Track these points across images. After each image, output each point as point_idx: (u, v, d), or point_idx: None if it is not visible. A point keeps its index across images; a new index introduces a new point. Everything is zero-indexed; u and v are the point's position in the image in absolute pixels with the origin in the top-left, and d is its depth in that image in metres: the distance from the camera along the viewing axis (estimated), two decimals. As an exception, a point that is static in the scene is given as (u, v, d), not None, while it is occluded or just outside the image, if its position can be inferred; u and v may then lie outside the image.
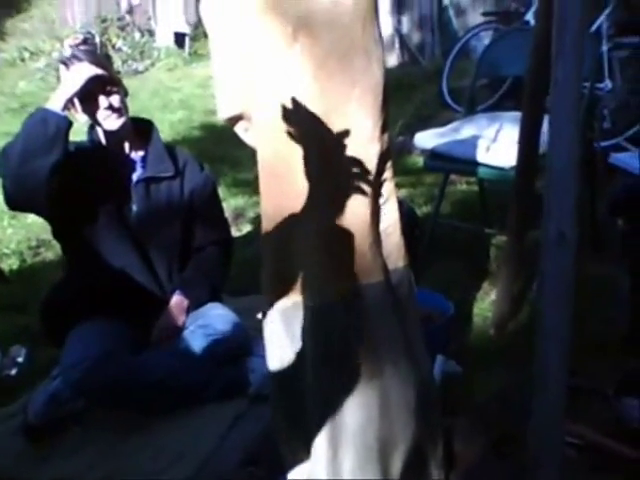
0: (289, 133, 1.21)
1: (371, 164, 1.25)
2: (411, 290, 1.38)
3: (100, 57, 2.26)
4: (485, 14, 5.12)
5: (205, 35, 7.24)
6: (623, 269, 1.95)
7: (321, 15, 1.17)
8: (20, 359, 2.11)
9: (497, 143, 2.31)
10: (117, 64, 7.22)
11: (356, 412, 1.27)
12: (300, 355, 1.29)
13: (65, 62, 1.83)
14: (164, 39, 8.20)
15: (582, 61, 1.11)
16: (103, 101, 1.85)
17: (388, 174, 1.31)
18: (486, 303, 2.26)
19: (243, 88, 1.26)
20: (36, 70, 7.69)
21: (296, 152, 1.22)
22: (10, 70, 8.22)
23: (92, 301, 1.87)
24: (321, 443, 1.28)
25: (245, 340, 1.93)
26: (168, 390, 1.78)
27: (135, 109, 2.01)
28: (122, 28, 8.40)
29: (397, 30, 5.99)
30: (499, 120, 2.46)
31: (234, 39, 1.24)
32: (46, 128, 1.71)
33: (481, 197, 2.77)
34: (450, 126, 2.58)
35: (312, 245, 1.25)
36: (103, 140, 1.94)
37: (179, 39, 7.98)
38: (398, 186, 1.34)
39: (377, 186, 1.29)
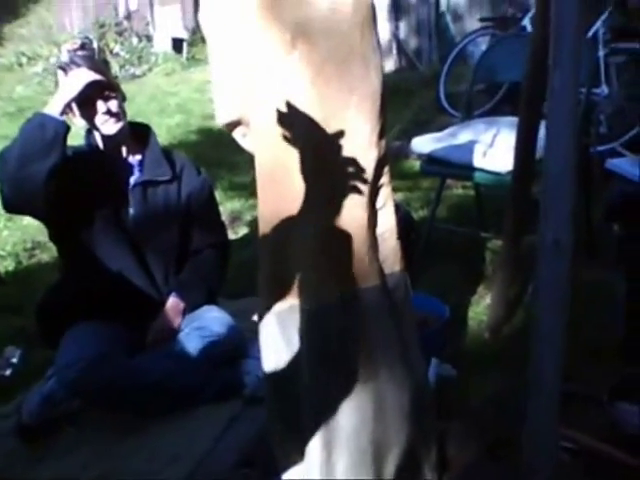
0: (285, 137, 1.21)
1: (368, 169, 1.26)
2: (407, 294, 1.38)
3: (98, 62, 2.27)
4: (482, 20, 5.15)
5: (203, 40, 7.25)
6: (618, 275, 1.96)
7: (319, 22, 1.18)
8: (14, 360, 2.12)
9: (494, 148, 2.32)
10: (115, 69, 7.24)
11: (351, 415, 1.27)
12: (296, 358, 1.30)
13: (63, 67, 1.84)
14: (162, 44, 8.22)
15: (579, 69, 1.12)
16: (101, 106, 1.86)
17: (385, 179, 1.32)
18: (481, 307, 2.26)
19: (241, 94, 1.27)
20: (33, 75, 7.70)
21: (294, 157, 1.23)
22: (8, 75, 8.24)
23: (88, 303, 1.87)
24: (315, 445, 1.28)
25: (241, 342, 1.94)
26: (164, 392, 1.78)
27: (132, 113, 2.02)
28: (120, 33, 8.43)
29: (395, 35, 6.01)
30: (496, 125, 2.47)
31: (233, 45, 1.25)
32: (44, 132, 1.71)
33: (477, 201, 2.78)
34: (447, 131, 2.59)
35: (309, 249, 1.26)
36: (101, 144, 1.94)
37: (177, 44, 8.01)
38: (395, 190, 1.35)
39: (374, 191, 1.30)
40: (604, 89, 3.65)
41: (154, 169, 1.97)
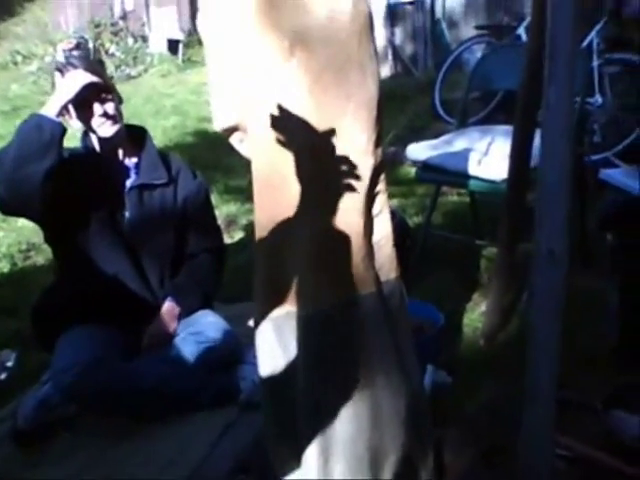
0: (282, 143, 1.22)
1: (365, 177, 1.26)
2: (402, 301, 1.39)
3: (94, 64, 2.27)
4: (477, 27, 5.19)
5: (198, 42, 7.27)
6: (612, 284, 1.97)
7: (317, 31, 1.19)
8: (9, 363, 2.10)
9: (489, 156, 2.33)
10: (110, 69, 7.23)
11: (347, 422, 1.28)
12: (292, 364, 1.30)
13: (60, 69, 1.84)
14: (157, 45, 8.22)
15: (574, 82, 1.13)
16: (98, 108, 1.86)
17: (381, 187, 1.32)
18: (476, 314, 2.27)
19: (239, 100, 1.28)
20: (28, 74, 7.68)
21: (290, 163, 1.23)
22: (2, 73, 8.22)
23: (83, 306, 1.87)
24: (312, 452, 1.28)
25: (236, 348, 1.93)
26: (159, 397, 1.78)
27: (128, 114, 2.01)
28: (115, 33, 8.42)
29: (390, 42, 6.04)
30: (491, 133, 2.48)
31: (231, 51, 1.25)
32: (41, 134, 1.71)
33: (472, 209, 2.79)
34: (442, 138, 2.61)
35: (305, 255, 1.26)
36: (97, 147, 1.94)
37: (172, 45, 8.01)
38: (390, 196, 1.36)
39: (370, 198, 1.30)
40: (598, 99, 3.69)
41: (150, 172, 1.97)
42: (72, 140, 1.97)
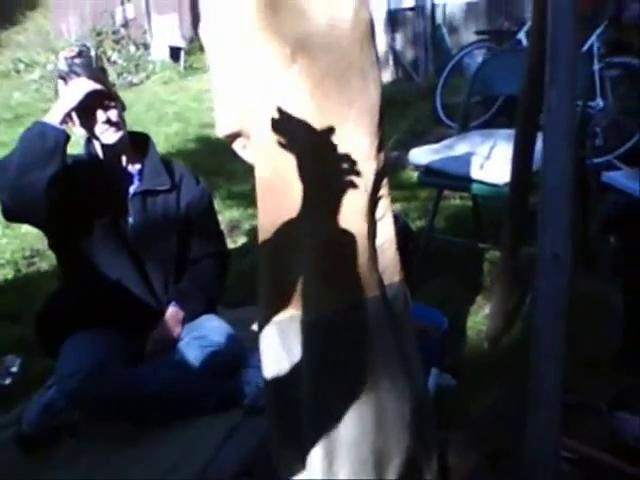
0: (282, 144, 1.23)
1: (368, 182, 1.27)
2: (406, 305, 1.39)
3: (97, 71, 2.28)
4: (478, 32, 5.20)
5: (200, 49, 7.30)
6: (615, 286, 1.97)
7: (319, 38, 1.20)
8: (14, 369, 2.11)
9: (491, 160, 2.34)
10: (112, 77, 7.27)
11: (352, 425, 1.28)
12: (296, 368, 1.30)
13: (63, 77, 1.85)
14: (159, 53, 8.25)
15: (575, 85, 1.14)
16: (101, 115, 1.87)
17: (384, 191, 1.33)
18: (480, 317, 2.27)
19: (242, 106, 1.29)
20: (30, 82, 7.72)
21: (293, 169, 1.24)
22: (5, 81, 8.26)
23: (87, 312, 1.87)
24: (316, 455, 1.28)
25: (240, 352, 1.94)
26: (163, 402, 1.78)
27: (130, 122, 2.03)
28: (117, 41, 8.46)
29: (391, 47, 6.06)
30: (493, 137, 2.49)
31: (233, 59, 1.26)
32: (44, 141, 1.72)
33: (475, 212, 2.80)
34: (444, 143, 2.61)
35: (309, 259, 1.27)
36: (100, 153, 1.95)
37: (174, 53, 8.05)
38: (392, 200, 1.36)
39: (373, 203, 1.31)
40: (599, 102, 3.69)
41: (153, 178, 1.97)
42: (75, 147, 1.98)
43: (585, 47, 3.75)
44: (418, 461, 1.37)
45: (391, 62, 6.06)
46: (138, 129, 2.17)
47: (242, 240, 3.19)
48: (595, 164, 3.11)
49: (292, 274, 1.28)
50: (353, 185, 1.25)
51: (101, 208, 1.89)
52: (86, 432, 1.80)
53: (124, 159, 1.97)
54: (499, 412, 1.70)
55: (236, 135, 1.34)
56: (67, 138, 1.77)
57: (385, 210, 1.34)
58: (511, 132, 2.08)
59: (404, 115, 4.72)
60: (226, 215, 3.41)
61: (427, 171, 2.53)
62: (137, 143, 2.01)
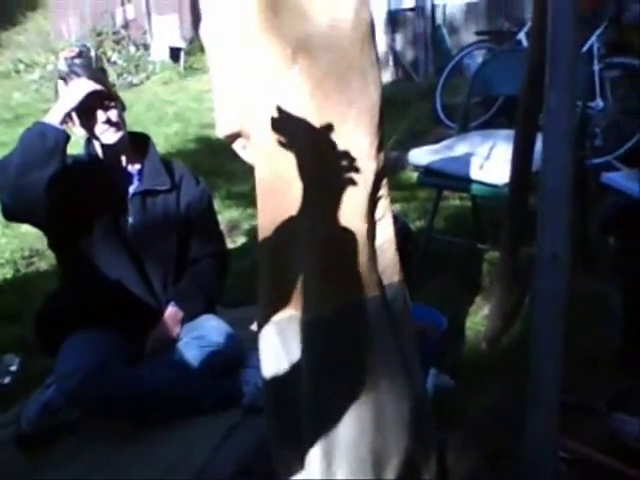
0: (282, 143, 1.23)
1: (367, 182, 1.27)
2: (406, 305, 1.39)
3: (97, 72, 2.28)
4: (478, 33, 5.20)
5: (200, 50, 7.31)
6: (614, 287, 1.97)
7: (319, 38, 1.20)
8: (13, 368, 2.12)
9: (490, 161, 2.34)
10: (112, 77, 7.27)
11: (350, 425, 1.28)
12: (295, 368, 1.30)
13: (64, 77, 1.85)
14: (159, 53, 8.26)
15: (575, 86, 1.14)
16: (101, 115, 1.87)
17: (384, 191, 1.33)
18: (479, 317, 2.27)
19: (242, 107, 1.29)
20: (31, 82, 7.73)
21: (293, 169, 1.24)
22: (5, 82, 8.27)
23: (87, 312, 1.87)
24: (315, 455, 1.28)
25: (239, 351, 1.94)
26: (162, 401, 1.79)
27: (130, 122, 2.03)
28: (117, 42, 8.47)
29: (391, 47, 6.06)
30: (492, 138, 2.49)
31: (234, 59, 1.26)
32: (44, 141, 1.72)
33: (474, 213, 2.80)
34: (444, 143, 2.61)
35: (308, 259, 1.27)
36: (100, 153, 1.95)
37: (174, 53, 8.05)
38: (392, 201, 1.37)
39: (373, 203, 1.31)
40: (599, 103, 3.69)
41: (153, 179, 1.98)
42: (76, 147, 1.99)
43: (585, 48, 3.75)
44: (416, 461, 1.37)
45: (391, 62, 6.07)
46: (138, 129, 2.17)
47: (242, 240, 3.19)
48: (594, 165, 3.12)
49: (292, 274, 1.29)
50: (353, 182, 1.25)
51: (101, 208, 1.89)
52: (85, 431, 1.81)
53: (124, 159, 1.97)
54: (498, 412, 1.70)
55: (236, 135, 1.35)
56: (67, 138, 1.77)
57: (385, 210, 1.34)
58: (511, 132, 2.08)
59: (404, 115, 4.72)
60: (226, 215, 3.42)
61: (427, 171, 2.53)
62: (137, 143, 2.01)
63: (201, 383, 1.84)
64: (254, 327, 1.37)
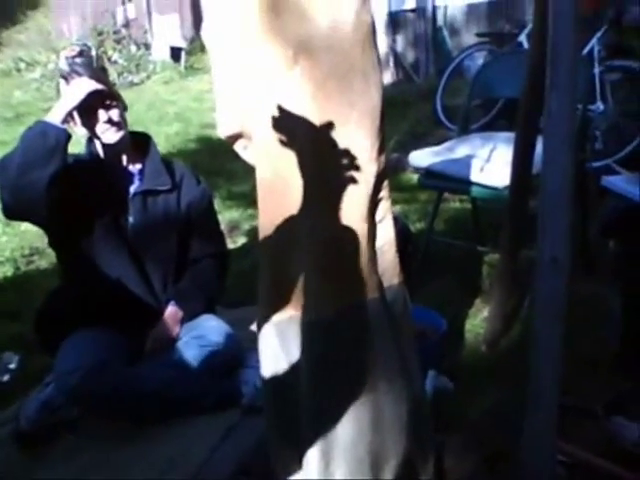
0: (282, 142, 1.23)
1: (368, 184, 1.27)
2: (406, 307, 1.39)
3: (98, 71, 2.28)
4: (479, 35, 5.20)
5: (201, 49, 7.32)
6: (614, 290, 1.97)
7: (321, 40, 1.20)
8: (12, 365, 2.12)
9: (491, 163, 2.34)
10: (113, 76, 7.28)
11: (349, 426, 1.28)
12: (294, 368, 1.30)
13: (65, 76, 1.85)
14: (160, 53, 8.26)
15: (575, 89, 1.14)
16: (102, 115, 1.87)
17: (384, 193, 1.33)
18: (478, 320, 2.28)
19: (243, 107, 1.29)
20: (31, 80, 7.73)
21: (294, 170, 1.24)
22: (5, 80, 8.27)
23: (87, 310, 1.88)
24: (313, 455, 1.28)
25: (239, 352, 1.94)
26: (162, 400, 1.79)
27: (131, 121, 2.03)
28: (118, 41, 8.47)
29: (392, 49, 6.06)
30: (493, 140, 2.49)
31: (235, 60, 1.26)
32: (45, 140, 1.72)
33: (474, 215, 2.80)
34: (445, 145, 2.62)
35: (309, 261, 1.27)
36: (101, 153, 1.95)
37: (175, 53, 8.05)
38: (392, 202, 1.37)
39: (373, 205, 1.31)
40: (599, 106, 3.70)
41: (154, 178, 1.98)
42: (77, 146, 1.99)
43: (585, 50, 3.76)
44: (414, 462, 1.37)
45: (392, 63, 6.07)
46: (139, 129, 2.18)
47: (242, 240, 3.20)
48: (595, 168, 3.12)
49: (292, 274, 1.29)
50: (354, 181, 1.25)
51: (101, 207, 1.89)
52: (84, 429, 1.81)
53: (125, 159, 1.97)
54: (497, 415, 1.70)
55: (237, 136, 1.35)
56: (68, 137, 1.77)
57: (385, 212, 1.34)
58: (511, 135, 2.08)
59: (405, 117, 4.73)
60: (226, 215, 3.42)
61: (427, 173, 2.54)
62: (138, 143, 2.01)
63: (200, 383, 1.84)
64: (254, 327, 1.37)
